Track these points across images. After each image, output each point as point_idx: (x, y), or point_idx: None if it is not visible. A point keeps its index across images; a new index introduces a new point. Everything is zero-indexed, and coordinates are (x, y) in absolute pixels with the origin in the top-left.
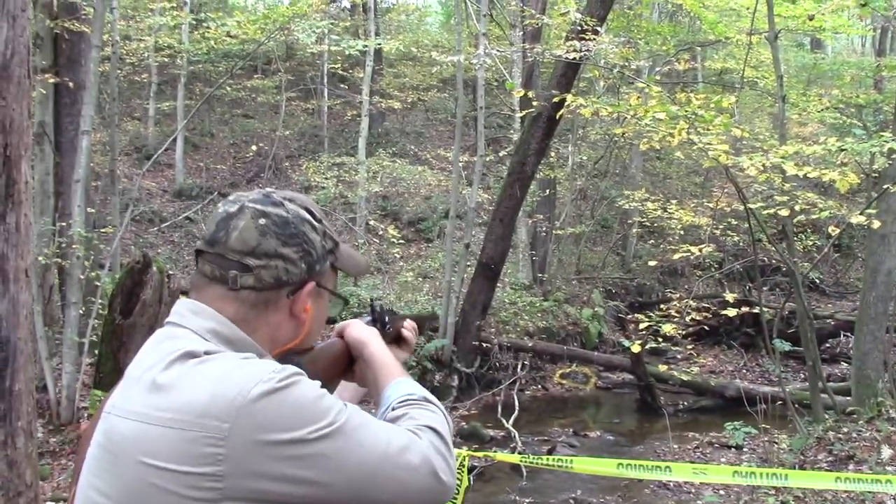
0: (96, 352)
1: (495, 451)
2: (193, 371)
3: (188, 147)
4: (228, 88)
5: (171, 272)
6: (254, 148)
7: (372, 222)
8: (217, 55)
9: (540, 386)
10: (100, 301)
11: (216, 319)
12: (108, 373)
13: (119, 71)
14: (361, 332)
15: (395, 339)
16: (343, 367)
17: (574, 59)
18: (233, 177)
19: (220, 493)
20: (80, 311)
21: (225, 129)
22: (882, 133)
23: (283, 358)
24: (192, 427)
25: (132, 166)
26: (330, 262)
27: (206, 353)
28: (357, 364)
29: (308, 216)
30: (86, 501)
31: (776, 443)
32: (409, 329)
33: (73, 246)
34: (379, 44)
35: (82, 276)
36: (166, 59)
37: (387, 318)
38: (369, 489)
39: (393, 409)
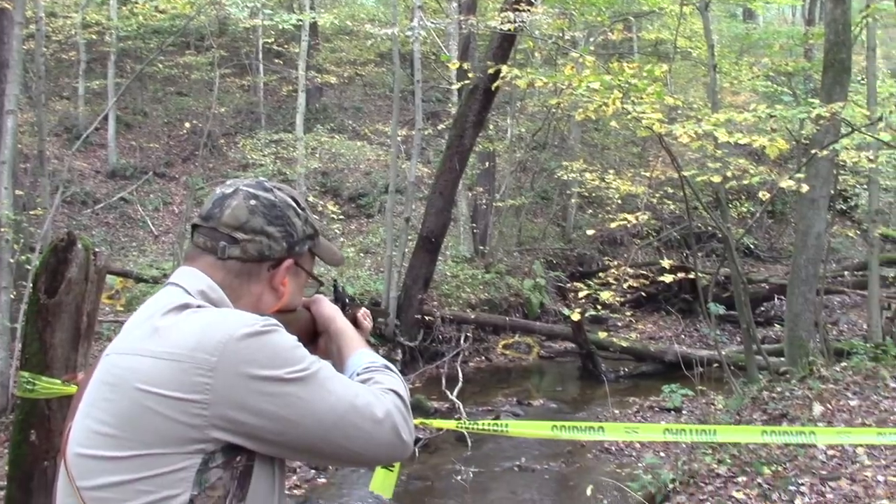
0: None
1: (432, 420)
2: (188, 317)
3: (120, 126)
4: (160, 65)
5: (97, 249)
6: (188, 126)
7: (312, 199)
8: (147, 31)
9: (483, 357)
10: (31, 285)
11: (206, 283)
12: (34, 353)
13: (45, 49)
14: (329, 308)
15: (351, 323)
16: (308, 337)
17: (509, 30)
18: (168, 156)
19: (206, 420)
20: (12, 296)
21: (158, 108)
22: (811, 100)
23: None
24: (184, 359)
25: (62, 147)
26: (308, 247)
27: (199, 306)
28: (322, 338)
29: (293, 203)
30: (83, 430)
31: (713, 404)
32: (364, 316)
33: (2, 229)
34: (314, 18)
35: (12, 260)
36: (94, 37)
37: (347, 301)
38: (336, 435)
39: (358, 375)
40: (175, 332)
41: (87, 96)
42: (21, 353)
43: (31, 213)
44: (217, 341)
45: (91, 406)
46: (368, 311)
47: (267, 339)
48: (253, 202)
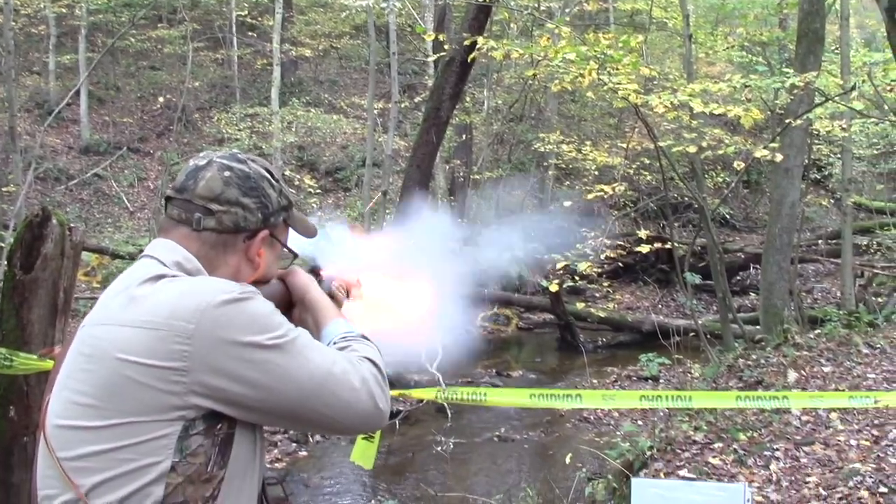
0: None
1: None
2: (164, 286)
3: (93, 101)
4: (132, 39)
5: (72, 225)
6: (161, 100)
7: (288, 173)
8: (118, 4)
9: (462, 329)
10: (6, 261)
11: (182, 254)
12: (11, 329)
13: (14, 23)
14: (304, 278)
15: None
16: (283, 307)
17: (485, 1)
18: (142, 131)
19: (185, 388)
20: None
21: (131, 82)
22: (785, 70)
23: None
24: (162, 327)
25: (34, 123)
26: (283, 218)
27: (175, 275)
28: (297, 308)
29: (267, 175)
30: (62, 402)
31: (690, 372)
32: (339, 289)
33: None
34: None
35: None
36: (64, 10)
37: (322, 274)
38: (314, 402)
39: (335, 343)
40: (151, 301)
41: (57, 71)
42: None
43: (4, 189)
44: (194, 308)
45: (69, 377)
46: (343, 284)
47: (245, 305)
48: (227, 174)
